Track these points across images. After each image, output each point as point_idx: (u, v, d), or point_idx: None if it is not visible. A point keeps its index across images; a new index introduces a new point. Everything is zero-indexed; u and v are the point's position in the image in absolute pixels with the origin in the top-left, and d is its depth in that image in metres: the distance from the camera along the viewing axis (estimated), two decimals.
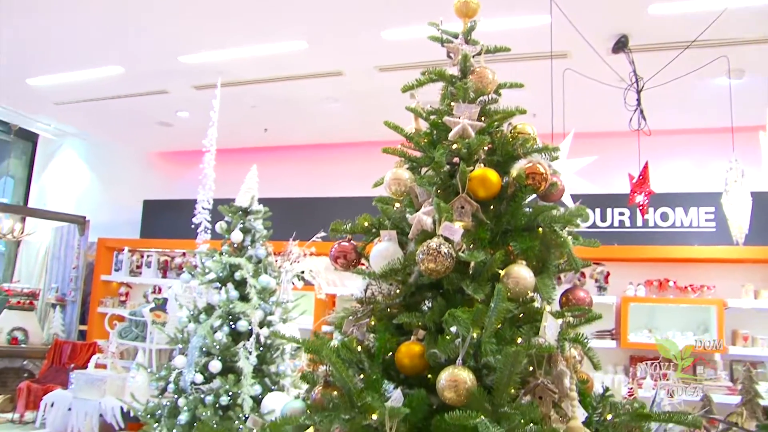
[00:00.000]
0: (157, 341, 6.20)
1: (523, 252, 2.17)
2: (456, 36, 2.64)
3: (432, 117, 2.48)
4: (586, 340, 2.19)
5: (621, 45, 5.52)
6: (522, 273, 2.12)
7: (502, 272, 2.14)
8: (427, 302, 2.25)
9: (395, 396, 1.94)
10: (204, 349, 4.47)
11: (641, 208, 5.51)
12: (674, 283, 6.93)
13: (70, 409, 5.97)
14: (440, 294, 2.20)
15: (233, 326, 4.56)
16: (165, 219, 9.59)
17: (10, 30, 6.15)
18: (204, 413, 4.16)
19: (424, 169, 2.45)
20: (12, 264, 10.55)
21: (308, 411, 2.16)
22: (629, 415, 2.05)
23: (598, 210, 7.56)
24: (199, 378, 4.36)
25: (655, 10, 5.10)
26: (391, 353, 2.14)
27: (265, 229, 4.94)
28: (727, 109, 5.84)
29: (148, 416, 4.54)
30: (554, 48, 5.24)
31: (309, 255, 5.44)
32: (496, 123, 2.42)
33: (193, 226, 6.38)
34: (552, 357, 2.03)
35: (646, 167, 5.48)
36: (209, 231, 6.29)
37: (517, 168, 2.28)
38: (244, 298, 4.62)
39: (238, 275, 4.66)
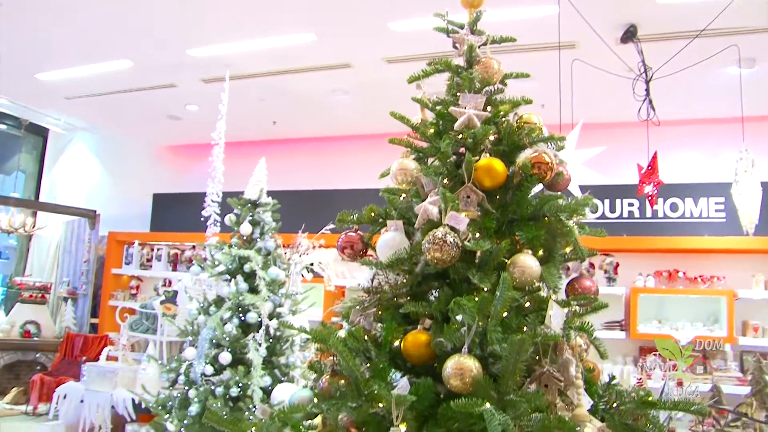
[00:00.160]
0: (168, 333, 6.24)
1: (528, 241, 2.18)
2: (462, 27, 2.64)
3: (438, 107, 2.48)
4: (591, 329, 2.19)
5: (630, 35, 5.49)
6: (528, 262, 2.12)
7: (508, 261, 2.14)
8: (433, 292, 2.26)
9: (402, 384, 1.95)
10: (214, 341, 4.49)
11: (650, 198, 5.49)
12: (684, 273, 6.91)
13: (82, 401, 6.02)
14: (446, 283, 2.21)
15: (243, 318, 4.58)
16: (174, 212, 9.64)
17: (19, 26, 6.19)
18: (214, 404, 4.19)
19: (430, 160, 2.46)
20: (24, 258, 10.64)
21: (316, 399, 2.17)
22: (635, 403, 2.06)
23: (607, 201, 7.54)
24: (210, 369, 4.39)
25: None
26: (397, 342, 2.15)
27: (274, 221, 4.96)
28: (738, 98, 5.80)
29: (159, 408, 4.57)
30: (562, 38, 5.23)
31: (318, 247, 5.46)
32: (501, 113, 2.42)
33: (202, 219, 6.41)
34: (558, 345, 2.04)
35: (654, 157, 5.45)
36: (218, 224, 6.32)
37: (523, 157, 2.28)
38: (253, 290, 4.64)
39: (247, 267, 4.67)
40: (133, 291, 9.57)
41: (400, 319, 2.22)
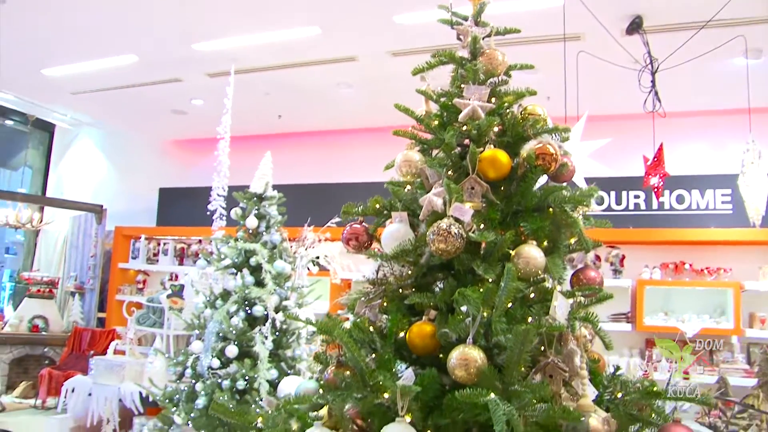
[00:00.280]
0: (175, 327, 6.26)
1: (533, 232, 2.18)
2: (466, 18, 2.64)
3: (442, 99, 2.49)
4: (596, 320, 2.20)
5: (635, 26, 5.46)
6: (532, 253, 2.12)
7: (512, 252, 2.14)
8: (438, 283, 2.27)
9: (407, 375, 1.96)
10: (220, 335, 4.50)
11: (656, 190, 5.48)
12: (690, 265, 6.89)
13: (90, 395, 6.05)
14: (451, 274, 2.21)
15: (249, 311, 4.59)
16: (181, 206, 9.67)
17: (25, 21, 6.20)
18: (221, 397, 4.20)
19: (434, 151, 2.46)
20: (31, 253, 10.69)
21: (321, 390, 2.19)
22: (640, 393, 2.06)
23: (613, 193, 7.52)
24: (216, 363, 4.41)
25: None
26: (402, 333, 2.16)
27: (280, 214, 4.96)
28: (744, 89, 5.77)
29: (166, 401, 4.59)
30: (567, 30, 5.21)
31: (324, 240, 5.47)
32: (506, 104, 2.42)
33: (208, 213, 6.43)
34: (562, 336, 2.05)
35: (660, 149, 5.44)
36: (224, 218, 6.34)
37: (527, 149, 2.28)
38: (259, 283, 4.65)
39: (253, 261, 4.68)
40: (140, 285, 9.61)
41: (405, 310, 2.23)
